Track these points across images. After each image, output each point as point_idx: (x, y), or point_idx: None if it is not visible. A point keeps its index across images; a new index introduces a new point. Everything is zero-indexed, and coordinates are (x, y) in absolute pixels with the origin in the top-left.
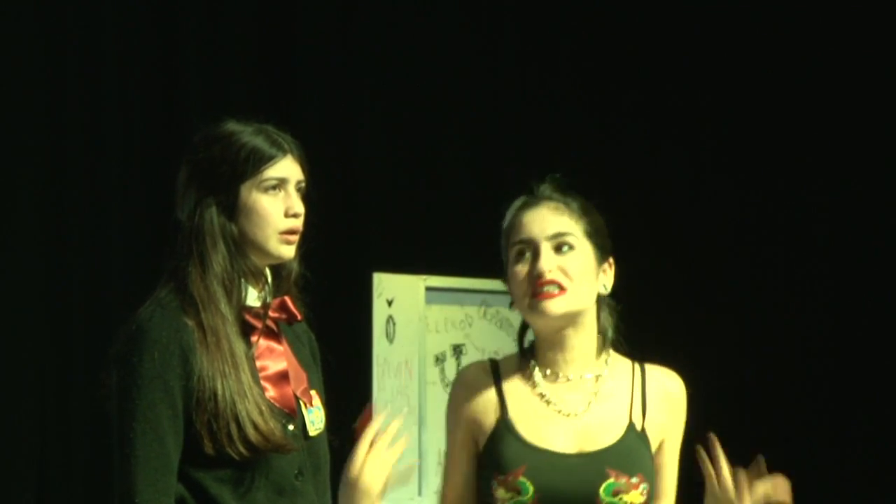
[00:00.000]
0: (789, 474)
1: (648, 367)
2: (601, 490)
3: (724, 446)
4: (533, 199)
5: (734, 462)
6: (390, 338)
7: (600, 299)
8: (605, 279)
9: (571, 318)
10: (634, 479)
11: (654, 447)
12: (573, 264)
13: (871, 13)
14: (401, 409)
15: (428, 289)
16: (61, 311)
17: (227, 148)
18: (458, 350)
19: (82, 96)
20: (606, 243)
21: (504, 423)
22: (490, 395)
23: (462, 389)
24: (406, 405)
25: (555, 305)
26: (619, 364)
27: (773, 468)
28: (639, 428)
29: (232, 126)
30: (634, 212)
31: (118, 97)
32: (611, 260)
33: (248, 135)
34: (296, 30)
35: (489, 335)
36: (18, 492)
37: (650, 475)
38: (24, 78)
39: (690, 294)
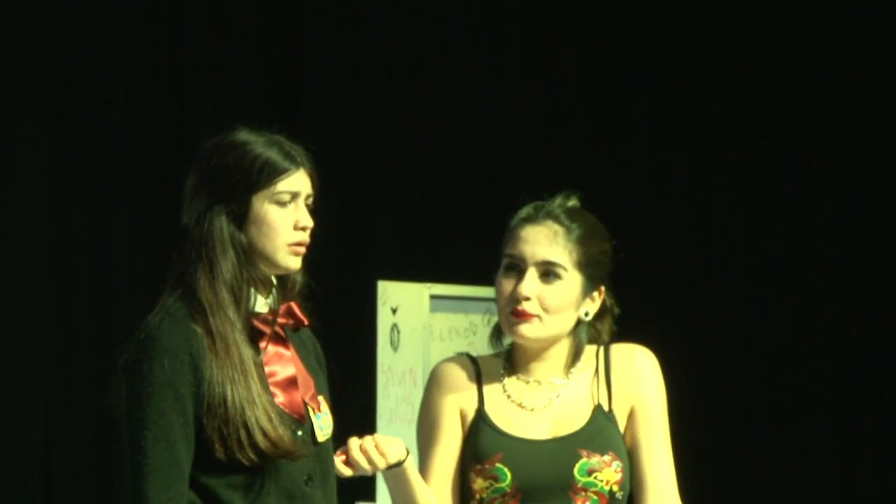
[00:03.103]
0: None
1: (613, 346)
2: (575, 470)
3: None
4: (536, 214)
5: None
6: (395, 346)
7: (579, 322)
8: (590, 306)
9: (545, 340)
10: (606, 457)
11: (623, 423)
12: (554, 295)
13: (882, 12)
14: (405, 417)
15: (432, 297)
16: (66, 317)
17: (240, 157)
18: None
19: (88, 98)
20: (600, 273)
21: (480, 416)
22: (472, 388)
23: (445, 384)
24: (410, 413)
25: (528, 330)
26: (586, 357)
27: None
28: (606, 409)
29: (245, 135)
30: (644, 218)
31: (124, 98)
32: (602, 288)
33: (262, 145)
34: (302, 39)
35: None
36: (24, 499)
37: (622, 453)
38: (31, 82)
39: (692, 288)
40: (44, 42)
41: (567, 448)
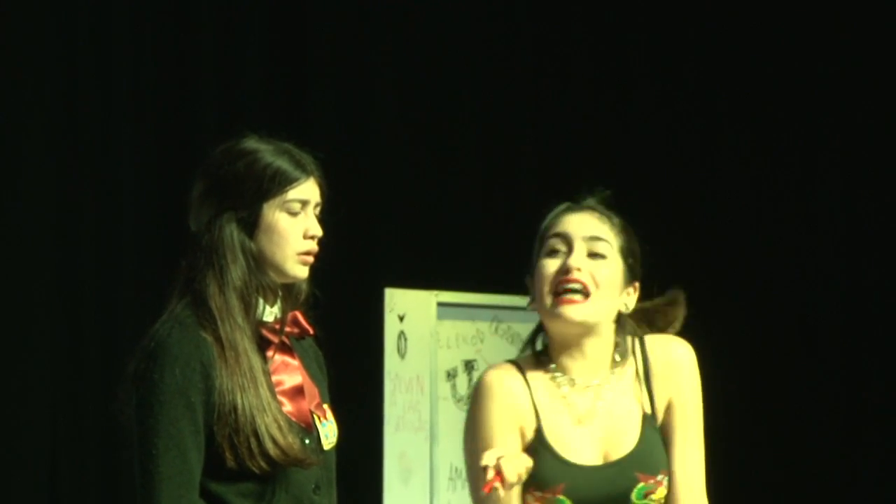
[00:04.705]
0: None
1: (648, 339)
2: (633, 495)
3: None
4: (577, 205)
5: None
6: (402, 353)
7: (620, 317)
8: (628, 299)
9: (588, 327)
10: (660, 477)
11: (661, 421)
12: (603, 272)
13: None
14: (412, 425)
15: (439, 304)
16: (72, 325)
17: (251, 165)
18: (469, 366)
19: (95, 105)
20: (637, 267)
21: (539, 436)
22: (526, 401)
23: (502, 395)
24: (417, 420)
25: (575, 311)
26: (626, 353)
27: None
28: (649, 412)
29: (255, 143)
30: (655, 216)
31: (130, 106)
32: (636, 284)
33: (273, 154)
34: (308, 45)
35: (501, 351)
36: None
37: (668, 466)
38: (38, 90)
39: (706, 287)
40: (50, 50)
41: (625, 473)
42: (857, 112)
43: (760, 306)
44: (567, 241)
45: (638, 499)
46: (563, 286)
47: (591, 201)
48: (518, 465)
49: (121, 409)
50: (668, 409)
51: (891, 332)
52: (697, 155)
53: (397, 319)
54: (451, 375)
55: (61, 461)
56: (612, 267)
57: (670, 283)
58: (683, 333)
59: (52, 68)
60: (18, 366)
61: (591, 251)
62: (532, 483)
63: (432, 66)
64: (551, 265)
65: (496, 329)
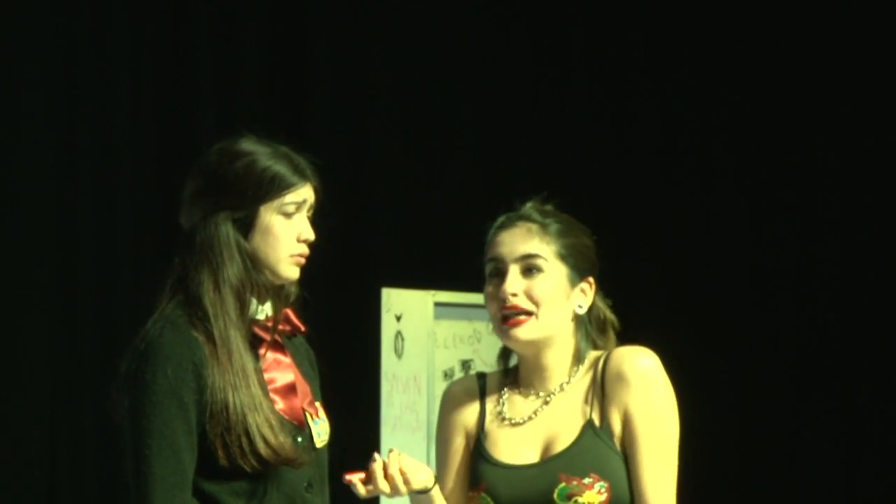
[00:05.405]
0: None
1: (615, 351)
2: (555, 495)
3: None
4: (510, 219)
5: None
6: (399, 353)
7: (577, 319)
8: (582, 299)
9: (543, 342)
10: (587, 480)
11: (618, 435)
12: (540, 287)
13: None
14: (409, 425)
15: (436, 304)
16: (71, 324)
17: (250, 167)
18: (466, 365)
19: (93, 105)
20: (584, 264)
21: (478, 440)
22: (474, 411)
23: (449, 406)
24: (414, 420)
25: (522, 332)
26: (587, 364)
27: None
28: (598, 423)
29: (252, 144)
30: (647, 229)
31: (129, 106)
32: (590, 279)
33: (271, 157)
34: (307, 46)
35: (497, 351)
36: None
37: (608, 472)
38: (37, 90)
39: (694, 301)
40: (49, 50)
41: (547, 473)
42: (855, 125)
43: (758, 310)
44: (500, 265)
45: (560, 499)
46: (505, 312)
47: (526, 209)
48: (399, 481)
49: (114, 410)
50: (625, 422)
51: (889, 333)
52: (695, 159)
53: (394, 319)
54: (448, 375)
55: (61, 461)
56: (551, 277)
57: (670, 286)
58: (677, 343)
59: (52, 68)
60: (18, 366)
61: (526, 268)
62: (469, 483)
63: (431, 67)
64: (492, 291)
65: (493, 329)
